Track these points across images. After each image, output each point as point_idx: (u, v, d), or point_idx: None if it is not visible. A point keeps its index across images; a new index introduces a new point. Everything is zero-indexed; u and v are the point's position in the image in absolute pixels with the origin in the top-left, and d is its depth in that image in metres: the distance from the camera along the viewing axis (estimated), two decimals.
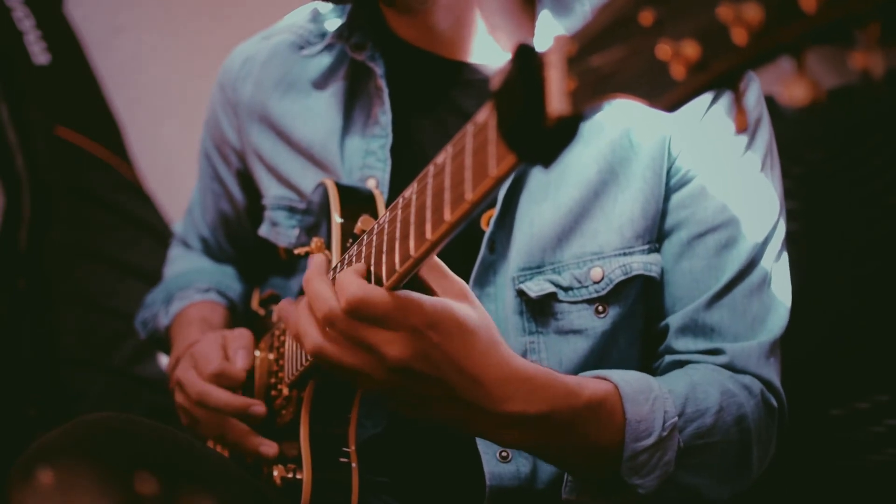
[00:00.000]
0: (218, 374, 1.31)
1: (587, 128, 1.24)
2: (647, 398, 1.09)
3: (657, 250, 1.25)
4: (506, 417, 1.00)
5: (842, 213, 1.96)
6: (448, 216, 0.85)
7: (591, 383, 1.07)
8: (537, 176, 1.25)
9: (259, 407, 1.30)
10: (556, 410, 1.02)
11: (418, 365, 0.95)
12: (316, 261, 1.06)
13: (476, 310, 0.99)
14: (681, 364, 1.24)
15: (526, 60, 0.73)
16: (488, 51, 1.33)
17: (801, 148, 1.98)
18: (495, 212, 1.24)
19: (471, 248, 1.25)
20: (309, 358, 1.17)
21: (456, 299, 0.98)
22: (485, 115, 0.80)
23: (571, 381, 1.05)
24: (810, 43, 0.55)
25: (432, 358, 0.95)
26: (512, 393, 0.99)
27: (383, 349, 0.94)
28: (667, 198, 1.25)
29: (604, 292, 1.23)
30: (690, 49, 0.58)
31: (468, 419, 1.01)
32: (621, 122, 1.24)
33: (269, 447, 1.29)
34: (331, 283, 0.99)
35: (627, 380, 1.10)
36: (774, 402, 1.24)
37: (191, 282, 1.65)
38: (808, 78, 0.55)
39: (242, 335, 1.38)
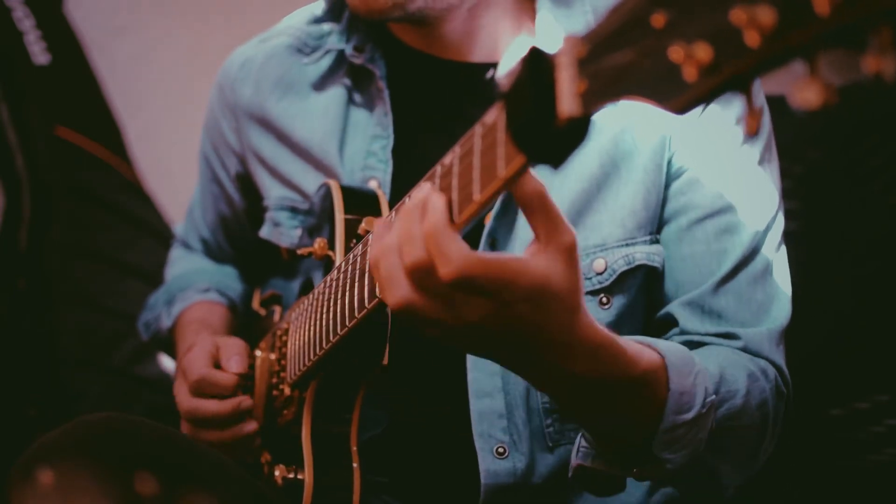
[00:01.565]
0: (198, 381, 1.31)
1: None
2: (691, 371, 1.05)
3: (658, 241, 1.26)
4: (568, 375, 0.95)
5: (842, 213, 1.96)
6: (455, 217, 0.85)
7: (647, 353, 1.02)
8: (539, 170, 1.23)
9: (246, 401, 1.32)
10: (616, 378, 0.97)
11: (498, 328, 0.90)
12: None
13: (573, 272, 0.91)
14: (696, 345, 1.21)
15: (537, 62, 0.73)
16: (489, 52, 1.32)
17: (802, 147, 1.98)
18: (496, 206, 1.24)
19: (471, 243, 1.24)
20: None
21: (559, 257, 0.90)
22: (493, 115, 0.80)
23: (632, 351, 1.00)
24: (823, 46, 0.55)
25: (513, 324, 0.90)
26: (580, 354, 0.94)
27: (465, 311, 0.89)
28: (667, 186, 1.25)
29: (607, 283, 1.23)
30: (703, 51, 0.58)
31: (530, 370, 0.98)
32: (623, 115, 1.24)
33: (249, 424, 1.32)
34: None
35: (672, 350, 1.06)
36: (784, 389, 1.23)
37: (191, 282, 1.65)
38: (821, 80, 0.55)
39: (236, 343, 1.38)
